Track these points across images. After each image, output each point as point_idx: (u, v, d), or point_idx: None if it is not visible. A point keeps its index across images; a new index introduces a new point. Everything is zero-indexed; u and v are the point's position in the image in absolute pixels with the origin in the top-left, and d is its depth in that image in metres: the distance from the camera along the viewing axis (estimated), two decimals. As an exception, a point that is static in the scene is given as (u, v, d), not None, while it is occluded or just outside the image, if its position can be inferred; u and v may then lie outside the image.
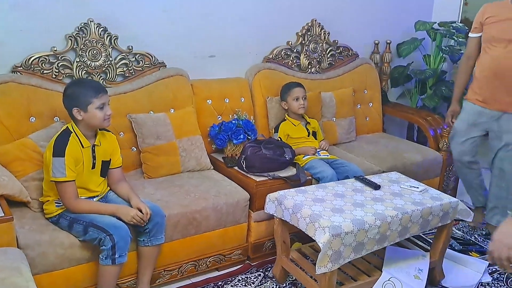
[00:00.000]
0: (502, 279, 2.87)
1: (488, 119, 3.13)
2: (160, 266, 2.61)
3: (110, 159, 2.52)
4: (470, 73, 3.29)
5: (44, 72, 2.80)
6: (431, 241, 2.85)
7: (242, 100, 3.47)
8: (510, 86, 3.00)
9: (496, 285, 2.81)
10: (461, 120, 3.29)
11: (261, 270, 2.87)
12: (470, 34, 3.22)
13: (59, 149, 2.29)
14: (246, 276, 2.81)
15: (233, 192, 2.84)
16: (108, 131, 2.55)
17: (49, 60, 2.82)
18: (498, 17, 2.98)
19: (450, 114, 3.51)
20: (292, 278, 2.77)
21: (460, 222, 3.51)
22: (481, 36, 3.12)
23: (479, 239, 3.33)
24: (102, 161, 2.46)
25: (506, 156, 3.10)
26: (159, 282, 2.64)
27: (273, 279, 2.77)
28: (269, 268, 2.87)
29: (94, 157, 2.42)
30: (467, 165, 3.33)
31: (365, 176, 2.89)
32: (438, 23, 4.34)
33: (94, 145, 2.42)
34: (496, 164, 3.19)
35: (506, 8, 2.97)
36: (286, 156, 3.06)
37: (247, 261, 2.96)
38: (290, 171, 3.06)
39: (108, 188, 2.57)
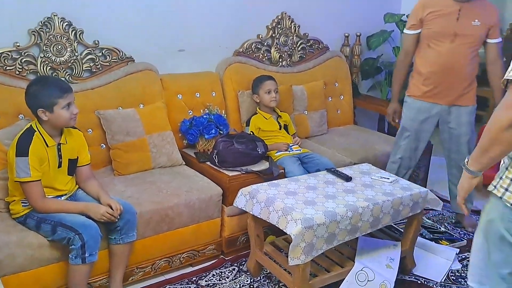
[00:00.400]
0: (472, 266, 2.92)
1: (437, 114, 3.14)
2: (132, 263, 2.58)
3: (78, 157, 2.47)
4: (408, 70, 3.28)
5: (7, 68, 2.72)
6: (402, 231, 2.88)
7: (213, 95, 3.45)
8: (458, 80, 3.03)
9: (465, 272, 2.86)
10: (411, 120, 3.21)
11: (235, 265, 2.86)
12: (407, 31, 3.13)
13: (22, 149, 2.23)
14: (221, 270, 2.80)
15: (205, 188, 2.82)
16: (75, 128, 2.50)
17: (12, 56, 2.74)
18: (441, 11, 2.95)
19: (391, 113, 3.45)
20: (267, 271, 2.77)
21: (430, 211, 3.57)
22: (419, 32, 3.07)
23: (449, 227, 3.39)
24: (68, 159, 2.41)
25: (460, 149, 3.16)
26: (132, 279, 2.61)
27: (248, 273, 2.77)
28: (244, 262, 2.86)
29: (60, 156, 2.37)
30: (407, 165, 3.34)
31: (337, 168, 2.90)
32: (406, 15, 4.38)
33: (59, 144, 2.36)
34: (452, 156, 3.25)
35: (447, 2, 2.95)
36: (259, 150, 3.05)
37: (221, 256, 2.95)
38: (263, 165, 3.05)
39: (77, 186, 2.52)
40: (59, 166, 2.37)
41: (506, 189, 1.56)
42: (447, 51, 2.97)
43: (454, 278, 2.80)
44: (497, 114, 1.49)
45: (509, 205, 1.54)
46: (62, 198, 2.41)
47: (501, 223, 1.58)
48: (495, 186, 1.61)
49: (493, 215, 1.62)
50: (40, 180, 2.26)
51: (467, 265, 2.92)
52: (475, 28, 2.94)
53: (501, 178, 1.60)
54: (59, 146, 2.36)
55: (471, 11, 2.92)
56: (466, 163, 1.67)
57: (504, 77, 1.48)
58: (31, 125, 2.32)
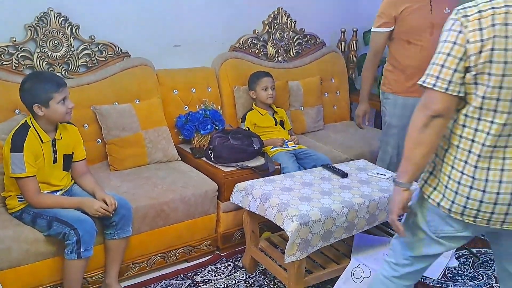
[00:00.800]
0: (468, 263, 2.93)
1: None
2: (128, 258, 2.58)
3: (73, 153, 2.47)
4: (376, 69, 3.24)
5: (4, 63, 2.72)
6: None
7: (209, 90, 3.44)
8: None
9: (462, 269, 2.87)
10: (399, 116, 3.09)
11: (230, 260, 2.87)
12: (378, 29, 3.01)
13: (17, 145, 2.22)
14: (216, 266, 2.81)
15: (201, 183, 2.82)
16: (70, 123, 2.49)
17: (9, 51, 2.74)
18: (414, 6, 2.89)
19: (362, 114, 3.31)
20: (262, 267, 2.77)
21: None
22: (392, 30, 2.98)
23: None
24: (63, 155, 2.40)
25: None
26: (127, 275, 2.61)
27: (243, 269, 2.77)
28: (239, 258, 2.87)
29: (55, 152, 2.36)
30: (397, 160, 3.24)
31: (333, 165, 2.91)
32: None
33: (54, 139, 2.36)
34: None
35: None
36: (254, 146, 3.05)
37: (217, 252, 2.96)
38: (258, 161, 3.06)
39: (73, 181, 2.52)
40: (54, 161, 2.37)
41: (425, 181, 1.68)
42: (428, 44, 2.93)
43: (451, 275, 2.81)
44: (413, 117, 1.58)
45: (425, 196, 1.67)
46: (58, 193, 2.41)
47: (419, 208, 1.72)
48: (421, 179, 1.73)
49: (414, 202, 1.75)
50: (35, 175, 2.26)
51: (464, 262, 2.93)
52: (448, 16, 2.93)
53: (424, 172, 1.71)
54: (54, 142, 2.35)
55: (440, 0, 2.91)
56: (395, 177, 1.70)
57: (418, 82, 1.57)
58: (26, 120, 2.31)
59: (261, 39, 3.78)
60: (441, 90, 1.50)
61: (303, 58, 4.00)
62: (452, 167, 1.59)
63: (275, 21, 3.81)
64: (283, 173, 2.97)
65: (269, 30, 3.80)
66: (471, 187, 1.54)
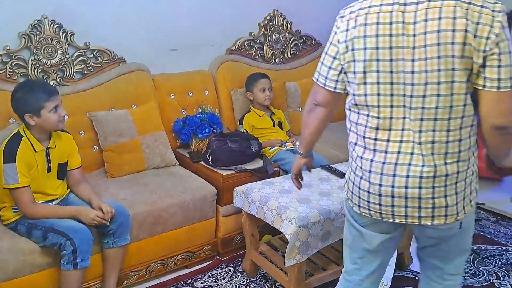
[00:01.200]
0: (469, 260, 2.90)
1: None
2: (127, 267, 2.56)
3: (67, 161, 2.44)
4: None
5: (-3, 72, 2.70)
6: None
7: (206, 93, 3.42)
8: None
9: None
10: None
11: (231, 265, 2.84)
12: None
13: (9, 155, 2.19)
14: (216, 272, 2.78)
15: (199, 188, 2.80)
16: (65, 131, 2.46)
17: (2, 59, 2.72)
18: None
19: None
20: (263, 271, 2.75)
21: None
22: None
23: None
24: (58, 163, 2.38)
25: None
26: (126, 283, 2.59)
27: (244, 274, 2.75)
28: (239, 263, 2.84)
29: (48, 161, 2.33)
30: None
31: (331, 165, 2.88)
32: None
33: (48, 148, 2.33)
34: None
35: None
36: (253, 149, 3.03)
37: (217, 257, 2.93)
38: (257, 164, 3.03)
39: (69, 190, 2.50)
40: (48, 170, 2.34)
41: (347, 181, 1.72)
42: None
43: (452, 273, 2.78)
44: (306, 101, 1.79)
45: (346, 194, 1.74)
46: (53, 202, 2.38)
47: (346, 206, 1.78)
48: None
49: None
50: (29, 185, 2.23)
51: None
52: None
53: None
54: (47, 151, 2.33)
55: None
56: (297, 146, 1.88)
57: (312, 77, 1.72)
58: (18, 130, 2.29)
59: (258, 41, 3.76)
60: (321, 84, 1.67)
61: (300, 59, 3.98)
62: (352, 159, 1.66)
63: (271, 23, 3.79)
64: (287, 169, 2.98)
65: (265, 32, 3.78)
66: (361, 178, 1.60)
